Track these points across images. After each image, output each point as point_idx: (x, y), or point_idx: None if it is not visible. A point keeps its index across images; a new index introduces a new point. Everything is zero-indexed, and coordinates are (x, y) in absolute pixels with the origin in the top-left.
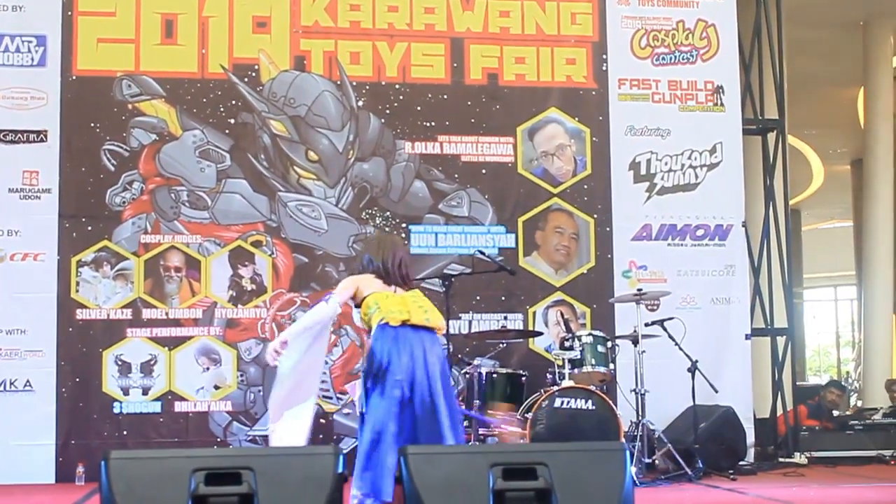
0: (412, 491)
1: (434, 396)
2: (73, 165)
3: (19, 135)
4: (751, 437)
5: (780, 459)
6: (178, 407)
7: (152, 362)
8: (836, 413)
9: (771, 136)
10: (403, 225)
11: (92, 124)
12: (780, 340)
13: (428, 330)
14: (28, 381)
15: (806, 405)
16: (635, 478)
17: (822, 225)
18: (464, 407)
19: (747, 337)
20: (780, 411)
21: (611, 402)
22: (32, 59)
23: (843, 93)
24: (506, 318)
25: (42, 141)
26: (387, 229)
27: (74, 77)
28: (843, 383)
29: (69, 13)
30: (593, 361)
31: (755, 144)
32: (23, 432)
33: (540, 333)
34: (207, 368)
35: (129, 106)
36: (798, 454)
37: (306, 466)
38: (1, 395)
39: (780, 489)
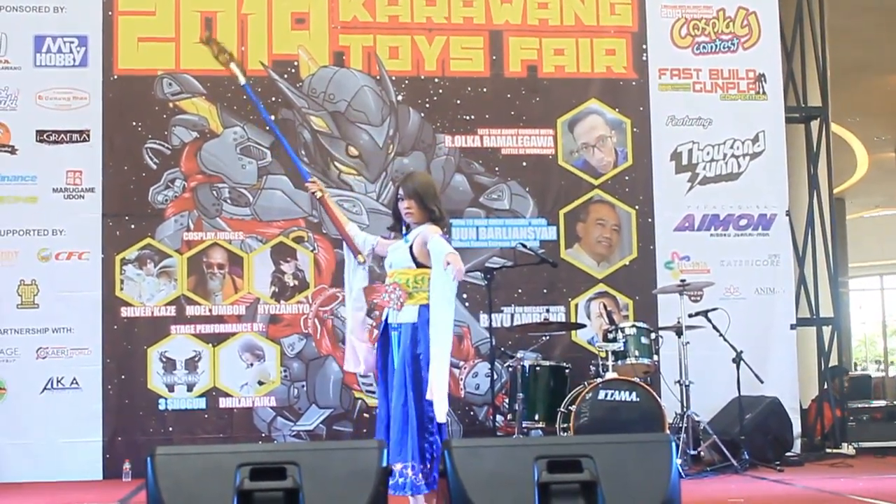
0: (456, 484)
1: None
2: (115, 164)
3: (62, 135)
4: (797, 428)
5: (828, 450)
6: (223, 403)
7: (196, 359)
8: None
9: (814, 124)
10: None
11: (134, 123)
12: (826, 330)
13: None
14: (74, 378)
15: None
16: (681, 470)
17: (868, 213)
18: (507, 400)
19: (792, 327)
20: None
21: (655, 393)
22: (74, 60)
23: (887, 79)
24: (548, 310)
25: (85, 140)
26: None
27: (116, 76)
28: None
29: (109, 13)
30: (637, 353)
31: (798, 133)
32: (70, 430)
33: (583, 326)
34: (251, 364)
35: (170, 104)
36: (846, 445)
37: (351, 460)
38: (48, 393)
39: (827, 480)
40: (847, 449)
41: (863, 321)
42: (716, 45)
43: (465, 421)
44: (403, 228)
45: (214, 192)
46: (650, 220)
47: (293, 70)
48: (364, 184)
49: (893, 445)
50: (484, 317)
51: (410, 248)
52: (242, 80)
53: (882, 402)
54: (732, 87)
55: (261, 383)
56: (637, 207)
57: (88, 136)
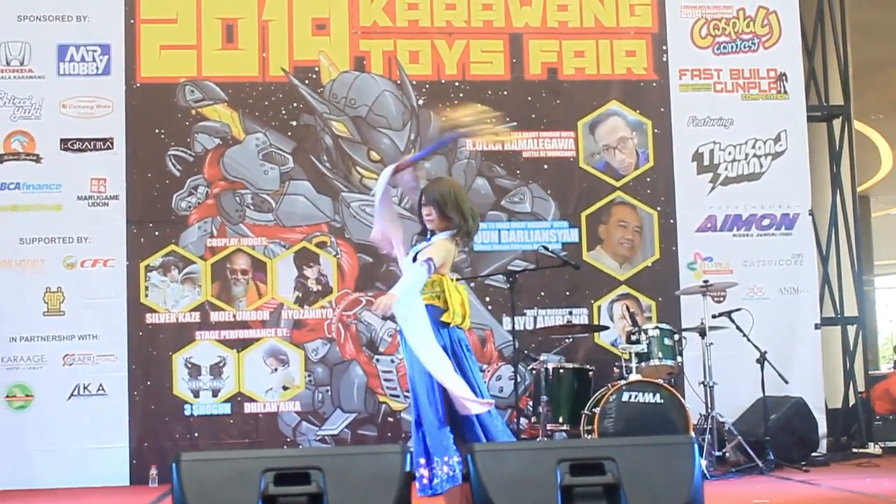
0: (479, 488)
1: None
2: (139, 172)
3: (86, 143)
4: (823, 428)
5: (854, 450)
6: (248, 408)
7: (221, 364)
8: None
9: (836, 123)
10: None
11: (157, 130)
12: (851, 329)
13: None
14: (101, 385)
15: None
16: (706, 471)
17: (893, 211)
18: (531, 403)
19: (817, 326)
20: (852, 401)
21: (679, 395)
22: (97, 68)
23: None
24: (571, 312)
25: (108, 148)
26: None
27: (138, 84)
28: None
29: (132, 21)
30: (660, 354)
31: (821, 131)
32: (97, 436)
33: (606, 328)
34: (276, 369)
35: (193, 111)
36: (872, 444)
37: (374, 465)
38: (75, 400)
39: (853, 480)
40: (873, 449)
41: (890, 319)
42: (736, 45)
43: None
44: (428, 234)
45: (237, 199)
46: (672, 221)
47: (314, 76)
48: None
49: None
50: (507, 320)
51: (415, 257)
52: None
53: None
54: (753, 86)
55: (285, 388)
56: (659, 209)
57: (112, 143)
